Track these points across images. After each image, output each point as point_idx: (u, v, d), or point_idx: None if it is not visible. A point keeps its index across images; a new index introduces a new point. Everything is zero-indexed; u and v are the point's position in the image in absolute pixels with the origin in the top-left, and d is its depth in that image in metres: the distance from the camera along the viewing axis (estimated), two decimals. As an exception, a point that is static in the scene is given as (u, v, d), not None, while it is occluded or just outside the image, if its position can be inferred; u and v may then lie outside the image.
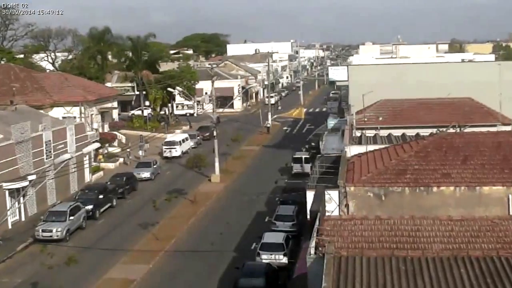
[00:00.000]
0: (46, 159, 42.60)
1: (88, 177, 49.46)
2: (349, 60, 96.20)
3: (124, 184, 45.92)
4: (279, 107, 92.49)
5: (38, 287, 29.56)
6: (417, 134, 37.14)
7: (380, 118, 40.55)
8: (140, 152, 56.04)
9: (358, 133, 38.91)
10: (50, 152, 43.35)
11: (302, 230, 34.68)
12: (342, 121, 48.74)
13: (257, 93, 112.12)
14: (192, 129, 73.75)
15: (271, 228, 35.41)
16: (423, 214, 20.82)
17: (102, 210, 41.34)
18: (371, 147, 30.82)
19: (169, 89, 62.87)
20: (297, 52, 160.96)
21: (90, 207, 39.83)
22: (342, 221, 19.89)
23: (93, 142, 50.41)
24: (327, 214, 22.93)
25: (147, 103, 75.98)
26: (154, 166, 52.57)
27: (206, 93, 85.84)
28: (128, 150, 55.18)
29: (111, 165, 54.55)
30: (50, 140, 43.74)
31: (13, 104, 49.64)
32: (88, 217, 39.26)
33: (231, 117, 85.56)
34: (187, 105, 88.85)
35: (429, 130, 34.81)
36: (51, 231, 35.55)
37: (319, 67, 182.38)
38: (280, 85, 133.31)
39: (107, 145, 56.85)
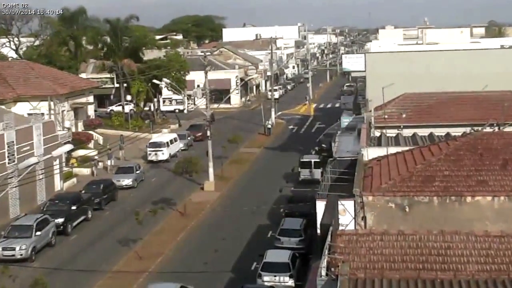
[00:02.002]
0: (9, 163, 42.60)
1: (58, 185, 49.46)
2: (366, 47, 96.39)
3: (102, 193, 45.95)
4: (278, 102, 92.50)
5: (-2, 315, 29.52)
6: (447, 134, 37.14)
7: (403, 115, 40.59)
8: (109, 162, 55.45)
9: (377, 133, 38.98)
10: (13, 155, 43.36)
11: (311, 247, 34.76)
12: (358, 118, 48.84)
13: (258, 86, 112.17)
14: (182, 128, 73.73)
15: (275, 245, 35.43)
16: (454, 228, 20.74)
17: (75, 223, 41.32)
18: (393, 149, 30.86)
19: (154, 81, 62.71)
20: (305, 38, 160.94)
21: (60, 220, 39.79)
22: (358, 237, 19.88)
23: (65, 143, 50.30)
24: (340, 228, 22.92)
25: (128, 97, 76.01)
26: (137, 172, 52.58)
27: (198, 86, 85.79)
28: (95, 158, 54.84)
29: (85, 171, 54.53)
30: (13, 141, 43.72)
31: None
32: (58, 232, 39.21)
33: (227, 114, 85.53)
34: (176, 100, 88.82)
35: (462, 129, 34.82)
36: (13, 249, 35.51)
37: (331, 56, 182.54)
38: (285, 76, 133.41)
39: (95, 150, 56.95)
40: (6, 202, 41.81)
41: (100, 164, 55.69)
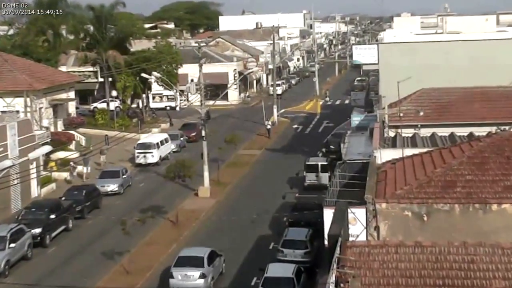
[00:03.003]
0: (-20, 167, 42.54)
1: (35, 191, 49.48)
2: (380, 37, 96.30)
3: (84, 200, 45.95)
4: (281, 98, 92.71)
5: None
6: (470, 134, 37.12)
7: (421, 113, 40.57)
8: (85, 169, 55.19)
9: (391, 133, 38.99)
10: (-15, 157, 43.34)
11: (318, 261, 34.77)
12: (371, 117, 48.81)
13: (258, 81, 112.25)
14: (174, 128, 73.74)
15: (277, 258, 35.45)
16: (478, 240, 20.76)
17: (54, 234, 41.32)
18: (409, 151, 30.83)
19: (143, 75, 62.67)
20: (311, 27, 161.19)
21: (38, 230, 39.78)
22: (371, 249, 19.90)
23: (43, 144, 50.27)
24: (351, 239, 22.96)
25: (114, 93, 76.07)
26: (124, 177, 52.63)
27: (192, 81, 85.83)
28: (71, 163, 54.54)
29: (66, 175, 54.57)
30: (-15, 142, 43.74)
31: None
32: (35, 244, 39.17)
33: (224, 111, 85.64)
34: (167, 96, 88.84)
35: (487, 129, 34.86)
36: (-15, 263, 35.49)
37: (340, 47, 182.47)
38: (289, 69, 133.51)
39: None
40: (-23, 210, 41.92)
41: (80, 167, 55.28)
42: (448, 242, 20.05)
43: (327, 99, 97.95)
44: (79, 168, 55.28)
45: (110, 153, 58.88)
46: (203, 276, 33.22)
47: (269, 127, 72.88)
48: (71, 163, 54.47)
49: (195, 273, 33.07)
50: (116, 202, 49.26)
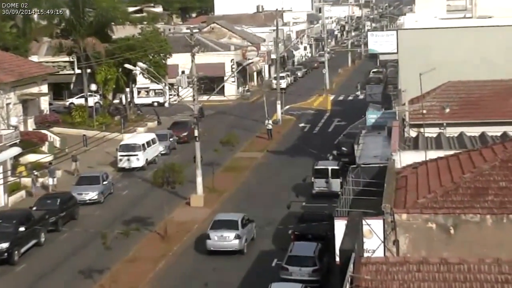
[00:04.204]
0: None
1: (2, 199, 49.49)
2: (399, 22, 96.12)
3: (58, 210, 45.88)
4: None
5: None
6: (504, 134, 37.11)
7: (447, 110, 40.65)
8: (50, 180, 54.46)
9: (413, 133, 38.94)
10: None
11: (327, 280, 34.75)
12: (389, 114, 48.88)
13: (260, 73, 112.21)
14: (163, 127, 73.72)
15: (281, 277, 35.46)
16: (514, 255, 20.74)
17: (23, 250, 41.25)
18: (433, 154, 30.98)
19: (127, 66, 62.61)
20: (320, 11, 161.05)
21: (4, 245, 39.78)
22: (389, 266, 19.85)
23: (11, 146, 50.20)
24: (366, 255, 22.96)
25: (93, 87, 76.05)
26: (104, 183, 52.65)
27: (183, 72, 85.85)
28: (35, 173, 53.96)
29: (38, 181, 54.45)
30: None
31: None
32: (1, 261, 39.24)
33: (221, 108, 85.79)
34: (154, 90, 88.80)
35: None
36: None
37: (353, 33, 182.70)
38: (293, 61, 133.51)
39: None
40: None
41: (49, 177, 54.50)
42: (479, 259, 19.97)
43: (358, 93, 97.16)
44: (44, 178, 54.35)
45: (89, 156, 58.56)
46: (238, 237, 40.53)
47: (270, 127, 72.06)
48: (34, 172, 53.72)
49: (230, 234, 40.46)
50: (96, 213, 49.23)
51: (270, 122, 73.50)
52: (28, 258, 41.08)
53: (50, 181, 54.05)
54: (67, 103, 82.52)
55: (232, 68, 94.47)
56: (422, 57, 45.47)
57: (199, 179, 50.69)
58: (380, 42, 63.70)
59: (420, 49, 47.01)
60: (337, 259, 23.79)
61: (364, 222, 24.09)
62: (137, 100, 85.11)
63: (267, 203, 50.18)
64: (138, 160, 59.23)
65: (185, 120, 69.87)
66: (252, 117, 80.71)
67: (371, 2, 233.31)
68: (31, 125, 64.92)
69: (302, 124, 79.69)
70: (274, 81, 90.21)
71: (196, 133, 51.91)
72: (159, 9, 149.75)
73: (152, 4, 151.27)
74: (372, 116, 51.43)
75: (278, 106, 79.11)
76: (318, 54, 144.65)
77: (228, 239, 40.50)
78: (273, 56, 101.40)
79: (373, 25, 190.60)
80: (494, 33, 49.39)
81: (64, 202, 47.14)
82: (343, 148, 59.25)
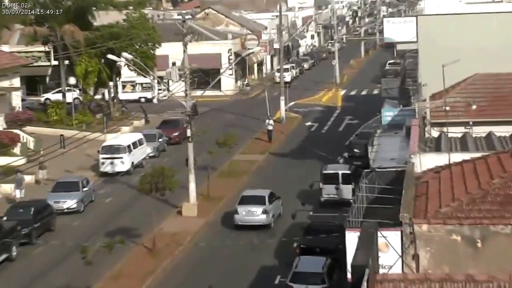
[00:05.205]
0: None
1: (-31, 208, 49.34)
2: (419, 7, 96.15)
3: (32, 221, 45.79)
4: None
5: None
6: (538, 134, 37.02)
7: (474, 106, 40.68)
8: (17, 191, 53.12)
9: (434, 132, 38.86)
10: None
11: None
12: (407, 111, 48.86)
13: (261, 64, 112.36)
14: (151, 126, 73.75)
15: (285, 296, 35.56)
16: (550, 272, 20.55)
17: (-8, 265, 41.24)
18: (458, 156, 30.97)
19: (110, 56, 62.58)
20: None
21: (-29, 260, 39.78)
22: (408, 284, 19.64)
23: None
24: (381, 271, 22.97)
25: (72, 80, 76.09)
26: (84, 189, 52.67)
27: (174, 64, 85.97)
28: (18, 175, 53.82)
29: (8, 188, 54.39)
30: None
31: None
32: (-33, 278, 39.13)
33: (217, 104, 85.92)
34: (141, 84, 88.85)
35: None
36: None
37: (367, 20, 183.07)
38: (297, 51, 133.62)
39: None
40: None
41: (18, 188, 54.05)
42: (510, 276, 19.72)
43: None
44: (7, 188, 53.80)
45: (67, 159, 58.29)
46: (265, 212, 46.35)
47: (270, 128, 71.07)
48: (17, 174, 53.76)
49: (258, 209, 46.31)
50: (75, 223, 49.23)
51: (271, 122, 72.08)
52: (-3, 274, 41.05)
53: (17, 193, 53.12)
54: (42, 99, 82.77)
55: (229, 59, 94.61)
56: (445, 47, 45.49)
57: (192, 185, 50.71)
58: (398, 30, 63.68)
59: (443, 37, 47.11)
60: (349, 276, 23.91)
61: (379, 234, 24.01)
62: (122, 96, 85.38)
63: (269, 212, 50.28)
64: (122, 164, 59.29)
65: (176, 119, 69.92)
66: (252, 115, 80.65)
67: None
68: (1, 124, 64.92)
69: (309, 123, 79.91)
70: (277, 74, 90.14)
71: (188, 133, 51.83)
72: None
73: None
74: (388, 114, 51.44)
75: (282, 103, 79.14)
76: (327, 43, 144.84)
77: (255, 214, 46.38)
78: (276, 45, 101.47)
79: (390, 10, 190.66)
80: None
81: (39, 211, 47.04)
82: (356, 150, 59.36)
